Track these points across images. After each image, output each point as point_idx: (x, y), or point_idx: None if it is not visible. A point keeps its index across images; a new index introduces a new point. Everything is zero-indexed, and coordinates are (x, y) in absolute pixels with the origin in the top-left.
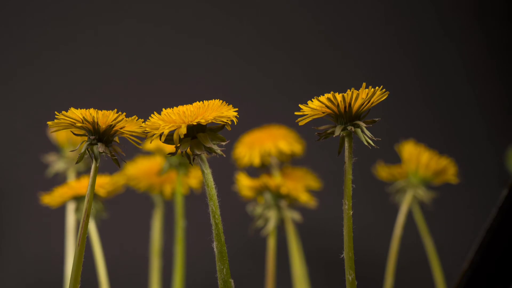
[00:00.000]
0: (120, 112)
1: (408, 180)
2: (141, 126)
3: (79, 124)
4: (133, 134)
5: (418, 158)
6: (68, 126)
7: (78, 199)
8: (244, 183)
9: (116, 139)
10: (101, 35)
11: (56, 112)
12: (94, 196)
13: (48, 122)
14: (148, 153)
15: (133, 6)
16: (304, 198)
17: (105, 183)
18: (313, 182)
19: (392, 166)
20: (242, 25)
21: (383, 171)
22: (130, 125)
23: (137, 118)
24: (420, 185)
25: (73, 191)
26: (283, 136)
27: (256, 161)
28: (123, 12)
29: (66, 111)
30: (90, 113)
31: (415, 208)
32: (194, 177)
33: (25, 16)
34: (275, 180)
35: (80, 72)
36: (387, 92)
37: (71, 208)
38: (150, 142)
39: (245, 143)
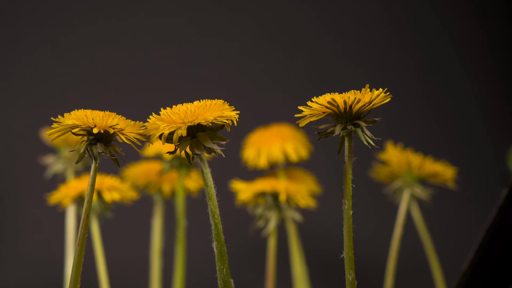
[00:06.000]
0: (119, 116)
1: (404, 179)
2: (141, 128)
3: (76, 129)
4: (132, 136)
5: (407, 159)
6: (66, 130)
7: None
8: (243, 191)
9: (118, 138)
10: (100, 34)
11: (52, 118)
12: (99, 196)
13: (46, 132)
14: (147, 159)
15: (134, 5)
16: (304, 202)
17: (112, 188)
18: (314, 186)
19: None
20: (245, 24)
21: (381, 172)
22: (129, 129)
23: (138, 122)
24: (416, 184)
25: (77, 191)
26: (291, 138)
27: (264, 165)
28: (123, 11)
29: (66, 111)
30: (87, 118)
31: (414, 207)
32: (194, 181)
33: (23, 16)
34: (275, 185)
35: (79, 71)
36: (390, 96)
37: (71, 208)
38: (152, 143)
39: (252, 144)
